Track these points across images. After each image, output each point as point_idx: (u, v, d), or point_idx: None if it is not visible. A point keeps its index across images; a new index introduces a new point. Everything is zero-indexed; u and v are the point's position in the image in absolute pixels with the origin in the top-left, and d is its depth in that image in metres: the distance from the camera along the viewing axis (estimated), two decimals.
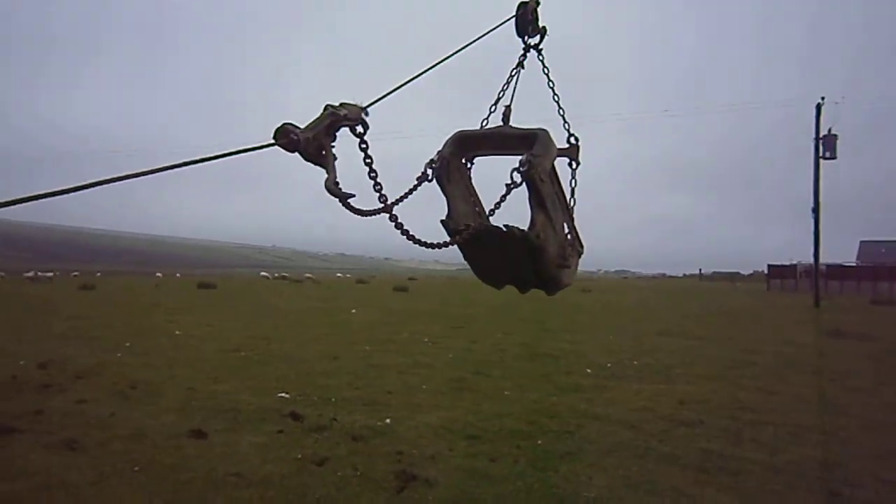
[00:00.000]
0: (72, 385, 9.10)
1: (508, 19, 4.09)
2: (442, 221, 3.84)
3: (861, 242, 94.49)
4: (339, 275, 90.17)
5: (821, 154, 35.75)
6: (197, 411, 7.79)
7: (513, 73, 4.19)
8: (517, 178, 3.39)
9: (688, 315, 26.36)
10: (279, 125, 2.46)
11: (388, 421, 7.51)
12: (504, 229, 3.58)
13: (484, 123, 4.09)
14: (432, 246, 3.31)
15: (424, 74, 3.36)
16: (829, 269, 53.06)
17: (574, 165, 4.12)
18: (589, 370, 11.37)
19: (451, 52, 3.59)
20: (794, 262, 61.24)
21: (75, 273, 77.39)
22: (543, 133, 3.75)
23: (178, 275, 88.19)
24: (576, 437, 7.09)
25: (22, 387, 8.93)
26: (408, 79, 3.27)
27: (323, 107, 2.64)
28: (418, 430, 7.20)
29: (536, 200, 3.66)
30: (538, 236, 3.62)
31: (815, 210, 35.60)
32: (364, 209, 2.82)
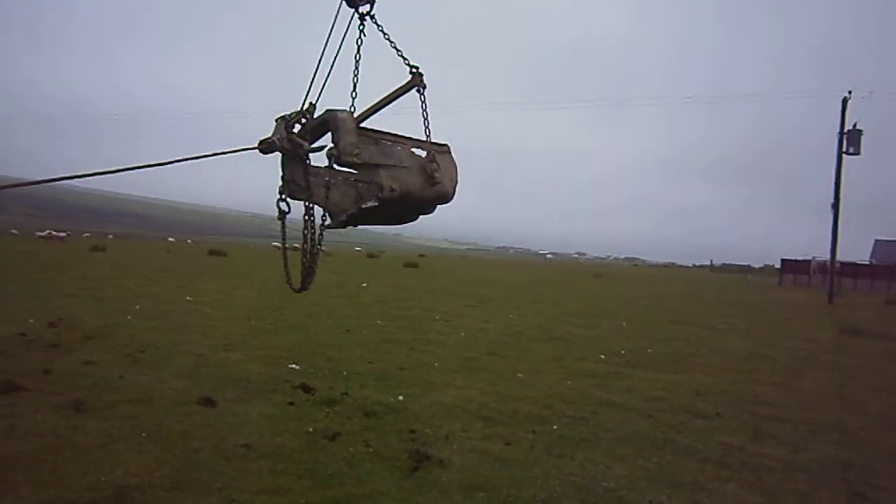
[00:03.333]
0: (81, 345, 9.00)
1: None
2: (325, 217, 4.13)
3: (876, 241, 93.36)
4: (357, 249, 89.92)
5: (844, 149, 35.23)
6: (206, 378, 7.66)
7: (356, 52, 4.24)
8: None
9: (701, 305, 26.13)
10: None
11: (400, 398, 7.35)
12: (374, 203, 4.01)
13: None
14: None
15: None
16: (844, 267, 52.47)
17: (421, 91, 4.41)
18: (603, 356, 11.19)
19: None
20: (809, 257, 60.66)
21: (87, 234, 77.83)
22: (330, 115, 3.98)
23: (189, 241, 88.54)
24: (591, 425, 6.92)
25: (30, 345, 8.84)
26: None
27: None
28: (432, 408, 7.05)
29: (367, 168, 4.01)
30: (392, 189, 3.95)
31: (835, 205, 35.15)
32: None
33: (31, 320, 10.61)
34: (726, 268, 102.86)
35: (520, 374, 9.18)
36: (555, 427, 6.71)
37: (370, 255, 66.80)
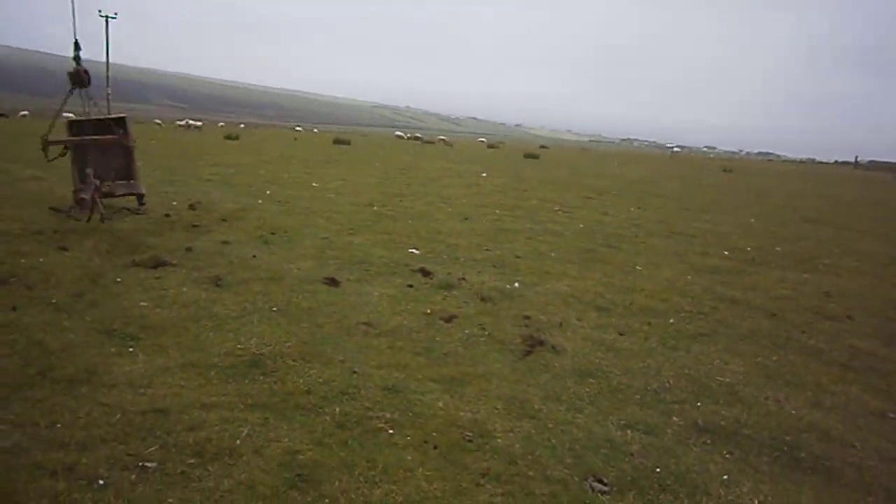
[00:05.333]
0: (217, 227, 9.61)
1: None
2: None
3: None
4: (481, 140, 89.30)
5: None
6: (331, 260, 8.04)
7: None
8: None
9: (840, 204, 24.53)
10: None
11: (516, 285, 7.46)
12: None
13: None
14: None
15: None
16: None
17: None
18: (727, 252, 10.83)
19: None
20: None
21: (221, 124, 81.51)
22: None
23: (315, 130, 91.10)
24: (710, 320, 6.80)
25: (174, 225, 9.52)
26: None
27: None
28: (547, 296, 7.12)
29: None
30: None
31: None
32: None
33: (174, 203, 11.39)
34: (874, 166, 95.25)
35: (637, 267, 9.07)
36: (671, 320, 6.64)
37: (490, 146, 66.43)
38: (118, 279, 6.50)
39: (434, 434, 3.86)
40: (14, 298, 5.66)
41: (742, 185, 31.30)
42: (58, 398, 3.92)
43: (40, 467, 3.21)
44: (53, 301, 5.69)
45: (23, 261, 6.82)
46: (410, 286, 7.10)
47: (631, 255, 9.91)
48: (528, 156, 44.44)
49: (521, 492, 3.35)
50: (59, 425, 3.62)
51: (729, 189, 27.27)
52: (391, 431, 3.85)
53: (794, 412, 4.61)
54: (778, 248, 11.70)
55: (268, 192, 13.96)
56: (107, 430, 3.60)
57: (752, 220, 16.02)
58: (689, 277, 8.69)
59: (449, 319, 6.05)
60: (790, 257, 10.93)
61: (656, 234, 12.37)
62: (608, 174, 31.63)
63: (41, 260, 6.92)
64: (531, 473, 3.53)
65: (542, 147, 78.03)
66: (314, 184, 16.36)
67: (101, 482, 3.11)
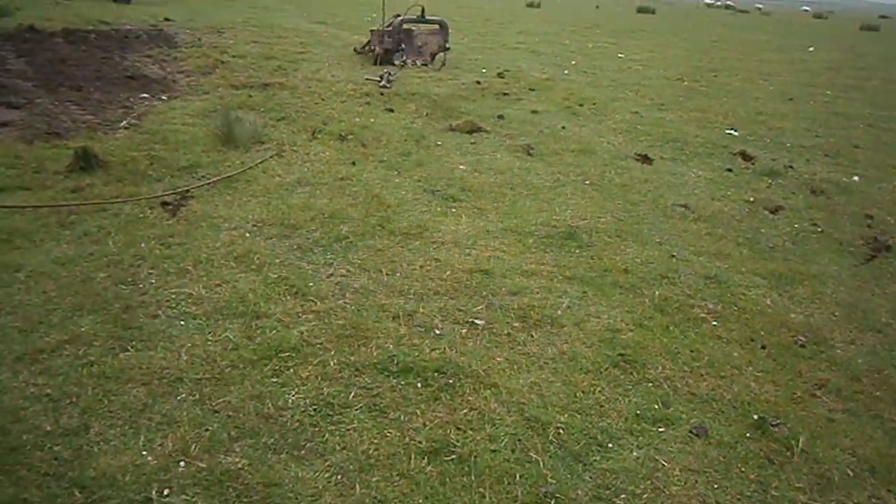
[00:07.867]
0: (526, 95, 9.64)
1: None
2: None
3: None
4: (804, 9, 78.60)
5: None
6: (642, 136, 7.69)
7: None
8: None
9: None
10: None
11: (855, 178, 6.56)
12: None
13: None
14: None
15: None
16: None
17: None
18: None
19: None
20: None
21: None
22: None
23: None
24: None
25: (485, 92, 9.72)
26: None
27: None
28: (895, 194, 6.17)
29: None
30: None
31: None
32: None
33: (484, 70, 11.61)
34: None
35: None
36: None
37: (816, 16, 58.21)
38: (438, 142, 6.84)
39: (762, 332, 3.60)
40: (352, 154, 6.22)
41: None
42: (395, 249, 4.28)
43: (384, 310, 3.55)
44: (384, 159, 6.16)
45: (356, 120, 7.44)
46: (729, 170, 6.57)
47: None
48: (865, 27, 38.16)
49: (866, 412, 3.02)
50: (397, 274, 3.96)
51: None
52: (714, 323, 3.66)
53: None
54: None
55: (573, 62, 13.65)
56: (438, 284, 3.86)
57: None
58: None
59: (775, 210, 5.53)
60: None
61: None
62: None
63: (372, 120, 7.49)
64: (878, 394, 3.16)
65: (882, 17, 66.51)
66: (619, 55, 15.64)
67: (437, 332, 3.37)
